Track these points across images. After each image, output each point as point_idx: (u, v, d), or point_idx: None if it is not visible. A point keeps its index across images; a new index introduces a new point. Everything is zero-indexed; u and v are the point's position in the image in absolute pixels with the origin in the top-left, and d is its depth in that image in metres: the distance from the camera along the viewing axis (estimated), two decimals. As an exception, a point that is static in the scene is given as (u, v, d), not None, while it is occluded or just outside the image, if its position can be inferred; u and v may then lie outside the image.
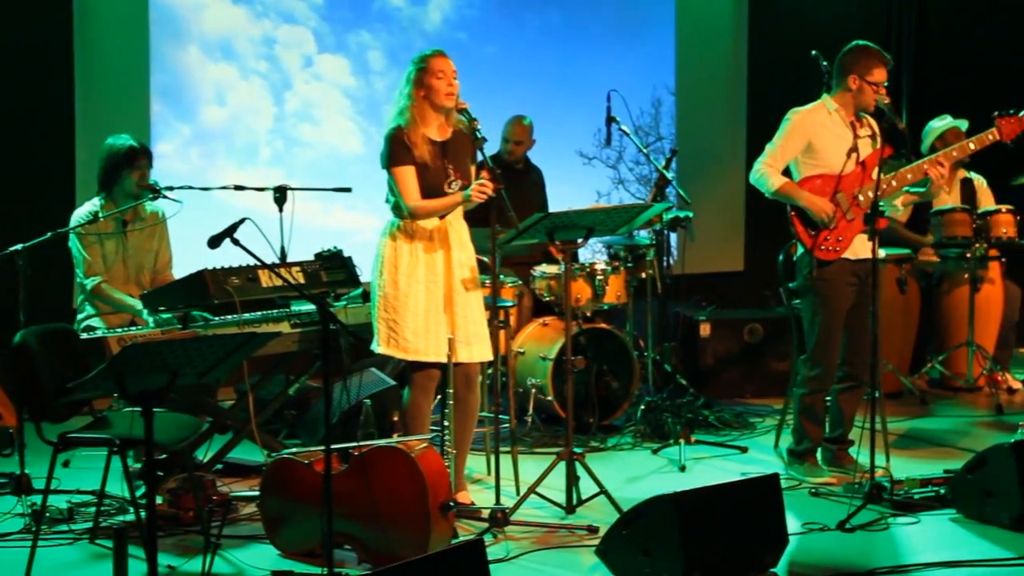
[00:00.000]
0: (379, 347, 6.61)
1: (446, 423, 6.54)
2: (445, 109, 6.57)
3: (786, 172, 7.28)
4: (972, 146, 7.46)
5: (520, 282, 8.84)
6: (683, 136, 11.48)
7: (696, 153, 11.47)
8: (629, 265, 8.93)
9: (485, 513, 6.42)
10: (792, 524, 6.15)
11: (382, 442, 6.05)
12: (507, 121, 9.57)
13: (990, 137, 7.42)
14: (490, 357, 6.83)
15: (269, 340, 5.78)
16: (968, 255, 9.47)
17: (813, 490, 7.10)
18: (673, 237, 9.45)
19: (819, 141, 7.23)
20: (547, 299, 8.78)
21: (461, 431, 6.68)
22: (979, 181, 10.19)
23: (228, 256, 5.73)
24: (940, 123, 10.05)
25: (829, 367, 7.31)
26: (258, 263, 5.52)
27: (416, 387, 6.68)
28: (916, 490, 6.82)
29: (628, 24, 11.25)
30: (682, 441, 7.91)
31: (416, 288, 6.55)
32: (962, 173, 10.15)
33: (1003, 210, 9.50)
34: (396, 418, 7.54)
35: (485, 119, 6.63)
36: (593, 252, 10.41)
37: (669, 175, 8.97)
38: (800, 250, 7.32)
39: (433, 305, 6.57)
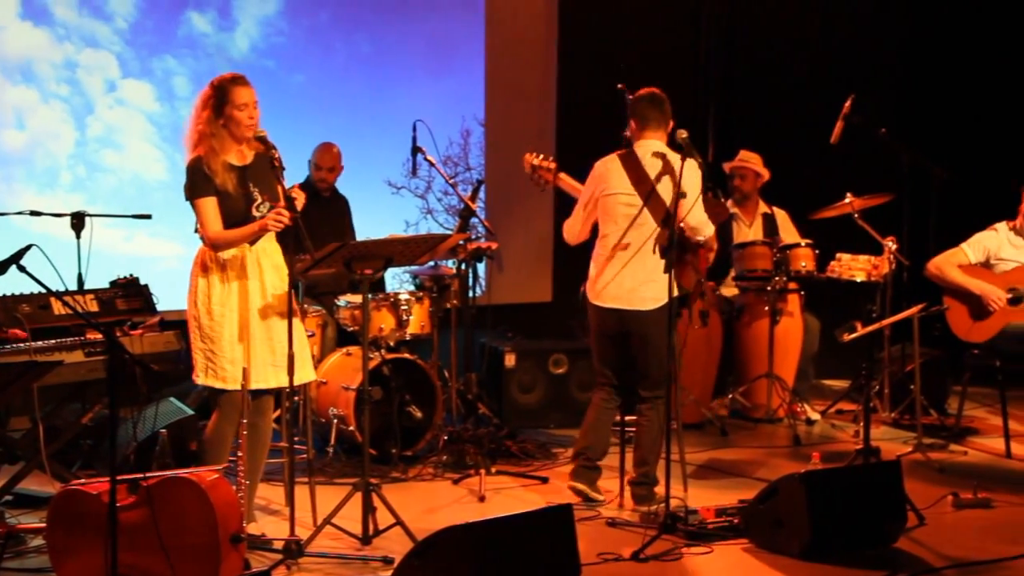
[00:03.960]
0: (199, 378, 6.48)
1: (240, 453, 6.46)
2: (244, 138, 6.50)
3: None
4: None
5: (324, 311, 8.79)
6: (492, 167, 11.49)
7: (505, 184, 11.47)
8: (434, 295, 8.93)
9: (279, 544, 6.36)
10: (587, 554, 6.18)
11: (172, 472, 5.94)
12: (316, 148, 9.52)
13: None
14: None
15: (51, 369, 5.69)
16: (768, 288, 9.65)
17: (610, 521, 7.14)
18: (481, 267, 9.47)
19: None
20: (351, 329, 8.74)
21: (254, 459, 6.61)
22: (781, 215, 10.40)
23: (24, 283, 5.59)
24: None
25: None
26: (46, 290, 5.42)
27: (223, 415, 6.55)
28: (710, 520, 6.91)
29: (438, 54, 11.24)
30: (483, 471, 7.92)
31: (230, 317, 6.44)
32: (763, 208, 10.36)
33: (803, 244, 9.72)
34: (194, 447, 7.43)
35: (293, 147, 6.61)
36: (401, 282, 10.40)
37: (475, 206, 8.99)
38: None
39: (246, 333, 6.48)
